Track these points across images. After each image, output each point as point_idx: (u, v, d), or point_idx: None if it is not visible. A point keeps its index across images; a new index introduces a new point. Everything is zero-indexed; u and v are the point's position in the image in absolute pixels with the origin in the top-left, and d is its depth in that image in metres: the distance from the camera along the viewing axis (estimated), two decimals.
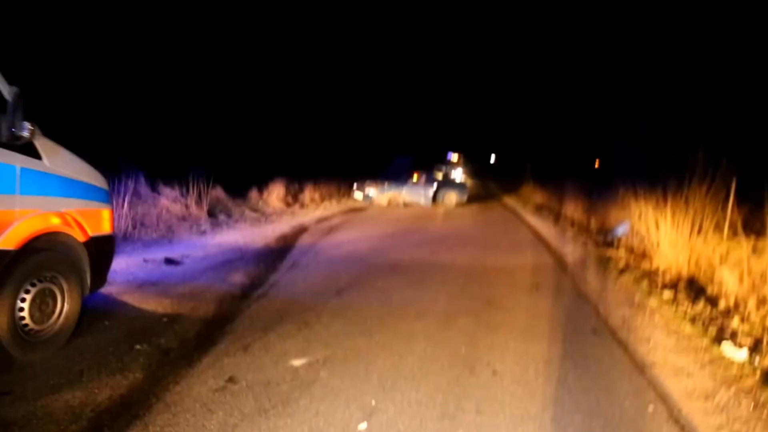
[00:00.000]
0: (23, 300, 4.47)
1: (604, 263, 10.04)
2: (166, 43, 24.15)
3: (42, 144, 4.69)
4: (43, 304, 4.64)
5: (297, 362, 4.82)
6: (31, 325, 4.53)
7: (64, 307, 4.87)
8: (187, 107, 25.35)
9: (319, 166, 26.51)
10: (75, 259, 5.08)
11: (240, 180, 20.15)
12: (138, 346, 5.02)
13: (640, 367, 4.95)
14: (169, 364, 4.69)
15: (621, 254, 10.75)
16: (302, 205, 20.50)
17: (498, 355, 5.11)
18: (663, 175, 10.07)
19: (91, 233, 5.25)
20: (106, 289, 6.79)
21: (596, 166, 33.41)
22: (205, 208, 15.02)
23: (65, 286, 4.88)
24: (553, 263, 10.18)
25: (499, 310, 6.72)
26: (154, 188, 15.00)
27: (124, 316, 5.95)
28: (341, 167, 27.53)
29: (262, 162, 24.55)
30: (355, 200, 22.56)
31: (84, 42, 20.46)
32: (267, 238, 11.95)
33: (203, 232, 12.44)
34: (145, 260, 8.94)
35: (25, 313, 4.48)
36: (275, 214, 17.26)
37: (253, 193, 20.20)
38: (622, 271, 9.22)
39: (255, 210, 17.71)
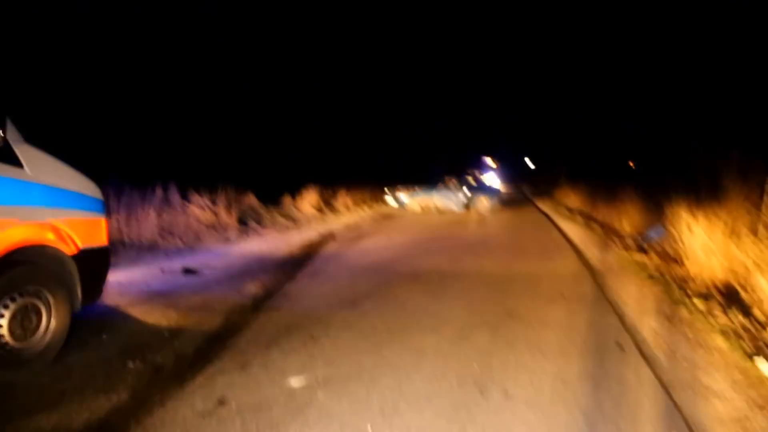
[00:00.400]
0: (1, 316, 4.16)
1: (634, 269, 9.44)
2: (199, 55, 24.18)
3: (24, 151, 4.37)
4: (25, 320, 4.32)
5: (295, 381, 4.42)
6: (12, 342, 4.22)
7: (51, 323, 4.55)
8: (223, 116, 25.35)
9: (354, 172, 26.25)
10: (62, 272, 4.76)
11: (274, 186, 20.00)
12: (130, 364, 4.68)
13: (667, 388, 4.41)
14: (159, 384, 4.34)
15: (652, 259, 10.14)
16: (334, 211, 20.22)
17: (512, 375, 4.63)
18: (697, 176, 9.45)
19: (81, 245, 4.92)
20: (113, 301, 6.55)
21: (631, 166, 32.48)
22: (235, 215, 14.79)
23: (51, 301, 4.56)
24: (581, 270, 9.61)
25: (519, 322, 6.23)
26: (185, 197, 14.79)
27: (125, 330, 5.64)
28: (376, 173, 27.23)
29: (298, 168, 24.38)
30: (388, 206, 22.13)
31: (120, 55, 20.55)
32: (292, 246, 11.63)
33: (228, 240, 12.18)
34: (162, 270, 8.68)
35: (4, 330, 4.17)
36: (306, 220, 16.97)
37: (286, 200, 20.00)
38: (652, 278, 8.62)
39: (286, 217, 17.48)
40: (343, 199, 22.47)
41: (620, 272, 9.31)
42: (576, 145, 37.68)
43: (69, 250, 4.79)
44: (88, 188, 5.15)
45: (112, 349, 5.05)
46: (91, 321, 5.68)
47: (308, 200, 20.06)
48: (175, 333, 5.57)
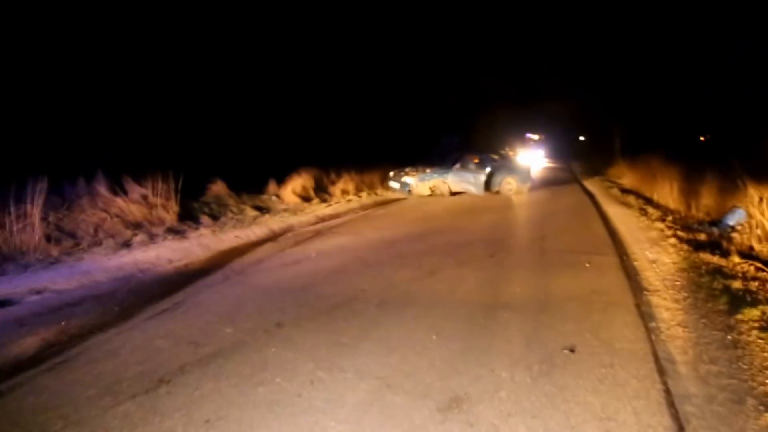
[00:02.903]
0: None
1: (705, 282, 6.16)
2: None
3: None
4: None
5: None
6: None
7: None
8: (199, 95, 22.76)
9: (369, 153, 23.30)
10: None
11: (264, 172, 17.30)
12: None
13: None
14: None
15: (734, 262, 6.89)
16: (324, 199, 17.19)
17: None
18: None
19: None
20: None
21: (702, 140, 29.06)
22: (174, 209, 11.94)
23: None
24: (621, 285, 6.38)
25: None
26: (120, 187, 12.02)
27: None
28: (397, 153, 24.13)
29: (298, 151, 21.54)
30: (393, 190, 18.96)
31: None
32: (209, 252, 8.85)
33: (125, 246, 9.25)
34: None
35: None
36: (279, 211, 14.02)
37: (271, 187, 17.17)
38: (737, 299, 5.35)
39: (259, 208, 14.57)
40: (343, 185, 19.49)
41: (682, 290, 6.06)
42: (635, 114, 33.87)
43: None
44: None
45: None
46: None
47: (291, 187, 17.09)
48: None
